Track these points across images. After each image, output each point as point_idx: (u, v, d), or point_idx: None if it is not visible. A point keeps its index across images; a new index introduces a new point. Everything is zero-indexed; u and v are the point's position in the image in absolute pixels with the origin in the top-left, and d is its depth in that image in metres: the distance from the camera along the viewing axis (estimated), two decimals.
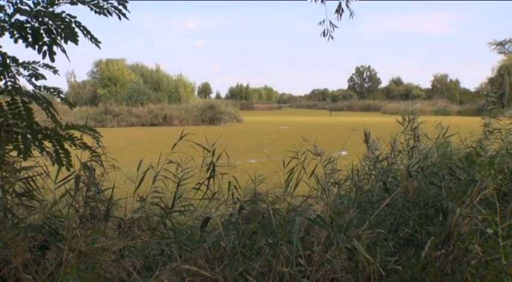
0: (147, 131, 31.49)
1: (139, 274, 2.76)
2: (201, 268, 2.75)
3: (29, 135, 2.47)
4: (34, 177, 3.62)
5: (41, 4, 2.57)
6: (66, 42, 2.65)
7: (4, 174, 2.87)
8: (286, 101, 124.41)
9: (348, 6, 5.25)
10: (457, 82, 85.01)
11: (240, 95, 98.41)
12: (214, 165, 4.20)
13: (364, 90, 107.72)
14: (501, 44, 61.30)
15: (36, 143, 2.48)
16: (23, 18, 2.57)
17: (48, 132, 2.57)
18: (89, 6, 2.71)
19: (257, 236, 3.22)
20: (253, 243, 3.22)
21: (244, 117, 44.33)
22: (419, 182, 4.08)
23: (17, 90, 2.51)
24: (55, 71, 2.86)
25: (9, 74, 2.60)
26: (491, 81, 59.38)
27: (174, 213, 4.05)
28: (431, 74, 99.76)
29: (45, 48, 2.62)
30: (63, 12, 2.62)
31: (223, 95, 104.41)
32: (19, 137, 2.46)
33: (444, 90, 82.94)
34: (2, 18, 2.55)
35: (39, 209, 3.50)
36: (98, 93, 53.02)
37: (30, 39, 2.58)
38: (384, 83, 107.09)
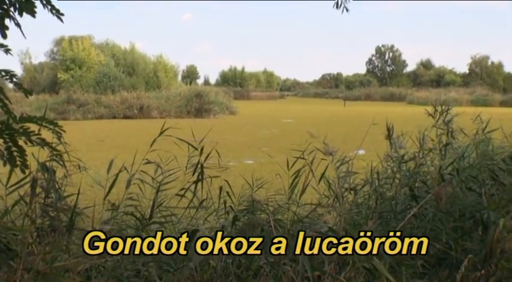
0: (120, 124, 31.46)
1: None
2: None
3: None
4: None
5: None
6: (21, 14, 2.63)
7: None
8: (290, 88, 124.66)
9: None
10: (500, 65, 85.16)
11: (234, 81, 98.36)
12: (203, 166, 4.20)
13: (386, 75, 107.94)
14: None
15: None
16: None
17: None
18: None
19: None
20: (250, 262, 3.23)
21: (239, 108, 44.32)
22: (454, 187, 4.08)
23: None
24: (7, 50, 2.84)
25: None
26: None
27: (153, 225, 4.04)
28: (469, 56, 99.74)
29: None
30: None
31: (213, 80, 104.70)
32: None
33: (484, 76, 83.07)
34: None
35: None
36: (58, 78, 52.95)
37: None
38: (411, 66, 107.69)
